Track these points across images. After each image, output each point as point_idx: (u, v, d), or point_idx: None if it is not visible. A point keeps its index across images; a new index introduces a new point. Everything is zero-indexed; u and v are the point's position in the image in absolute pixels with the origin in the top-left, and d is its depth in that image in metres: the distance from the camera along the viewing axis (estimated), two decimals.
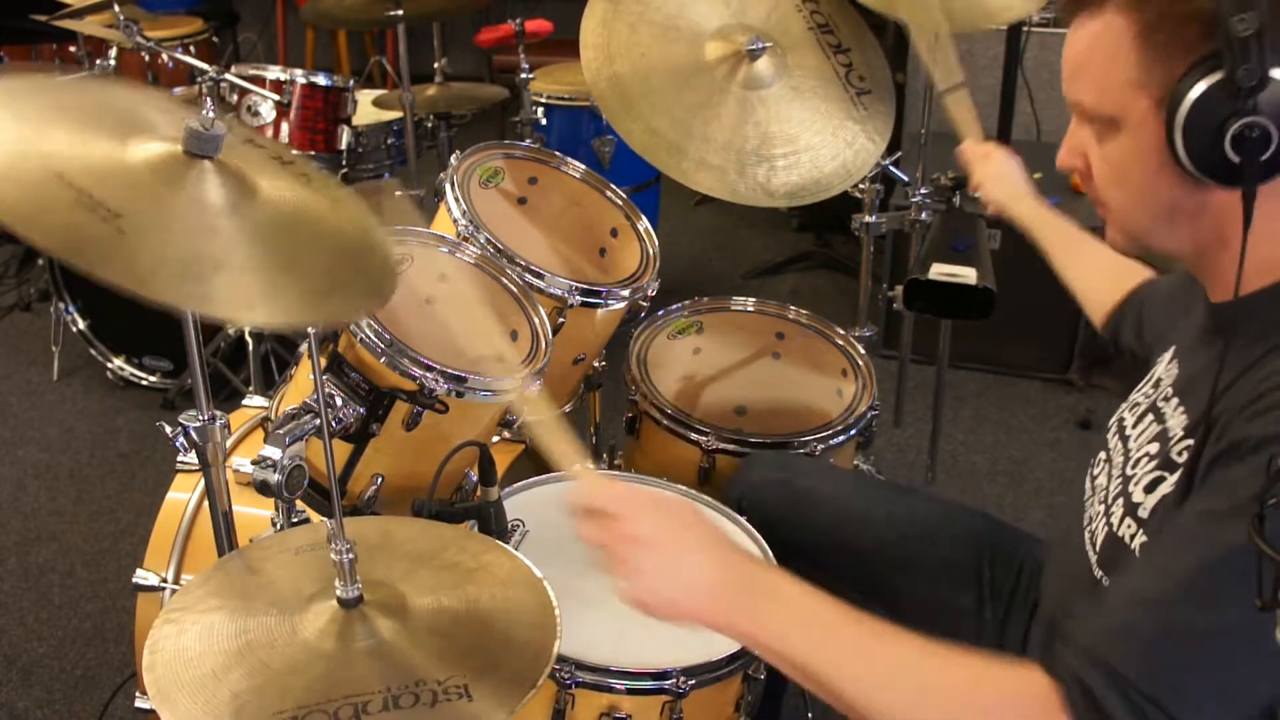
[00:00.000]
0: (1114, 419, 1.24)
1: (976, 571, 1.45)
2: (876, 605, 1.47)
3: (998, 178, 1.74)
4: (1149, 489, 1.06)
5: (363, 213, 1.27)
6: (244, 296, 1.01)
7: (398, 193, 1.56)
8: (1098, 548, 1.13)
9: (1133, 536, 1.07)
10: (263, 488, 1.27)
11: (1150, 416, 1.14)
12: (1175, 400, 1.11)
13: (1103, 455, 1.23)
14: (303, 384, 1.49)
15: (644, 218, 1.94)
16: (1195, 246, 1.06)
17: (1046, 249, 1.63)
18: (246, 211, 1.11)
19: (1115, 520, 1.10)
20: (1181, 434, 1.05)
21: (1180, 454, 1.03)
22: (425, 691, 0.97)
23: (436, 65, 3.15)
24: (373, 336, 1.37)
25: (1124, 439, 1.18)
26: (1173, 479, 1.03)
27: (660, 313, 1.99)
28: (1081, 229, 1.64)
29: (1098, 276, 1.57)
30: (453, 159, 1.78)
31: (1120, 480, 1.14)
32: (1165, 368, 1.19)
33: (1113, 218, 1.09)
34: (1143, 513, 1.06)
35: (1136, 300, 1.50)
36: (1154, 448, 1.10)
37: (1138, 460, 1.12)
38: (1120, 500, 1.11)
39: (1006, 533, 1.51)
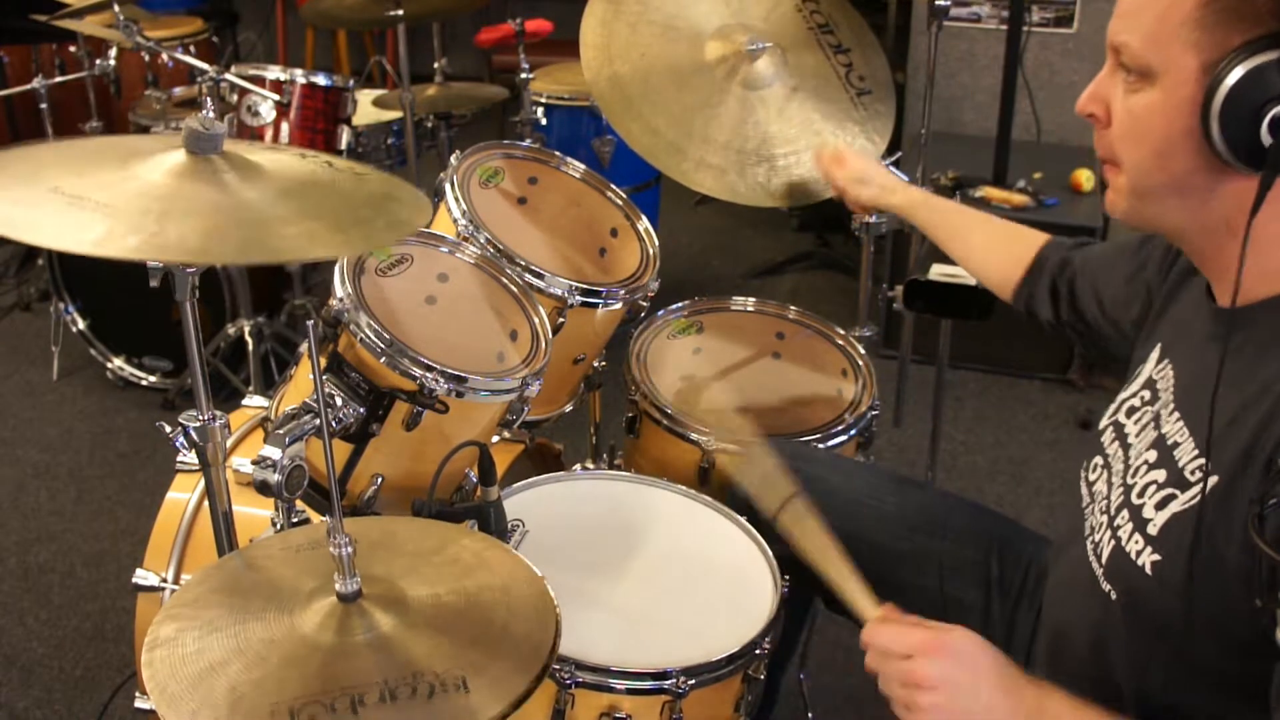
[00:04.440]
0: (1107, 421, 1.22)
1: (985, 567, 1.44)
2: (883, 598, 1.49)
3: (860, 179, 1.72)
4: (1160, 505, 1.04)
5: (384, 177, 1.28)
6: (222, 241, 1.04)
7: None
8: (1103, 561, 1.12)
9: (1139, 553, 1.05)
10: (263, 488, 1.26)
11: (1151, 425, 1.12)
12: (1173, 407, 1.09)
13: (1099, 460, 1.20)
14: (303, 384, 1.49)
15: (644, 218, 1.93)
16: (1201, 228, 1.04)
17: (930, 231, 1.62)
18: (253, 187, 1.12)
19: (1123, 535, 1.08)
20: (1195, 452, 1.03)
21: (1194, 473, 1.01)
22: (423, 684, 0.97)
23: (436, 65, 3.15)
24: (373, 336, 1.37)
25: (1124, 445, 1.16)
26: (1185, 497, 1.01)
27: (660, 313, 1.99)
28: (962, 206, 1.61)
29: (990, 249, 1.55)
30: (453, 159, 1.78)
31: (1121, 490, 1.12)
32: (1155, 368, 1.16)
33: (1121, 177, 1.06)
34: (1153, 529, 1.04)
35: (1051, 265, 1.46)
36: (1153, 455, 1.08)
37: (1137, 469, 1.10)
38: (1125, 512, 1.09)
39: (1015, 530, 1.50)
